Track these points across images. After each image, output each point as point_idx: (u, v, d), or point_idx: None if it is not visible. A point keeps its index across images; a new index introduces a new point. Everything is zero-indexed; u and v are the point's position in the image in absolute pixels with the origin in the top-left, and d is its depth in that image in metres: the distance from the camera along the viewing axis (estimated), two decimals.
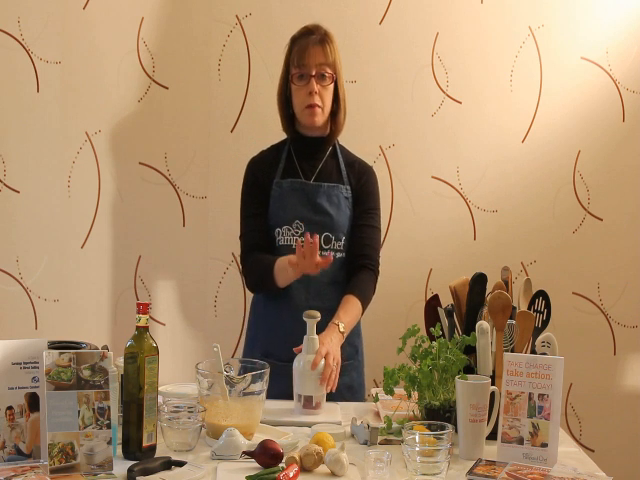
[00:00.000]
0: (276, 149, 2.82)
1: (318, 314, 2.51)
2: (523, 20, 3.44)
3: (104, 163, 3.37)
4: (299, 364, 2.48)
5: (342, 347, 2.58)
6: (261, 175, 2.78)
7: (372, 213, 2.78)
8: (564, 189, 3.50)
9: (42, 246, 3.23)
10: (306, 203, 2.73)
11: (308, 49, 2.66)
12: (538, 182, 3.50)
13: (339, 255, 2.74)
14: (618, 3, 3.45)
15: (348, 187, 2.76)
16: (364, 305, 2.71)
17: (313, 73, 2.65)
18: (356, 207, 2.77)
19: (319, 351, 2.47)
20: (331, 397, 2.55)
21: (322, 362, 2.46)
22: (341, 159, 2.79)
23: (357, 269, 2.74)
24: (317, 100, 2.67)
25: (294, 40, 2.72)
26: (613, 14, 3.45)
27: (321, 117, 2.70)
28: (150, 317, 2.14)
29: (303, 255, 2.48)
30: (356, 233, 2.76)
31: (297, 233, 2.71)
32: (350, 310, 2.65)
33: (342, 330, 2.58)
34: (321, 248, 2.71)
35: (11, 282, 3.18)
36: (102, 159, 3.36)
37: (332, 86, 2.69)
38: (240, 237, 2.80)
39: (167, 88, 3.41)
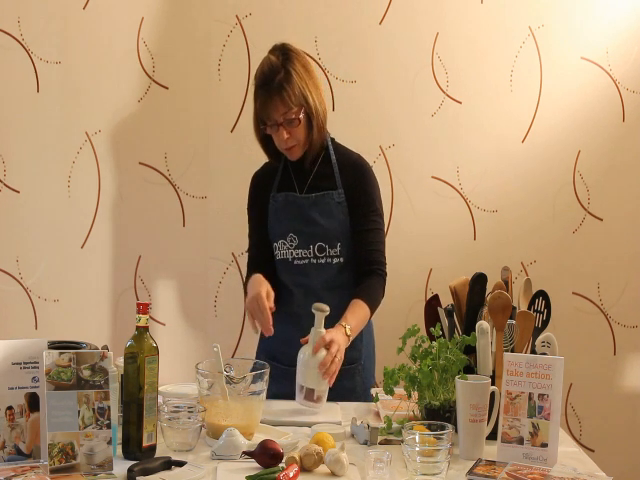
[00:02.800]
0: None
1: (327, 308, 2.48)
2: (523, 20, 3.43)
3: (104, 163, 3.37)
4: (304, 355, 2.47)
5: (345, 350, 2.56)
6: (261, 190, 2.80)
7: (373, 215, 2.75)
8: (564, 189, 3.50)
9: (42, 246, 3.23)
10: (297, 215, 2.73)
11: (267, 104, 2.63)
12: (538, 182, 3.49)
13: (336, 260, 2.73)
14: (618, 3, 3.45)
15: (341, 190, 2.73)
16: (372, 309, 2.68)
17: (280, 121, 2.64)
18: (356, 209, 2.73)
19: (323, 337, 2.45)
20: (333, 400, 2.54)
21: (324, 352, 2.45)
22: (334, 162, 2.76)
23: (365, 274, 2.72)
24: (290, 142, 2.68)
25: (256, 89, 2.68)
26: (613, 14, 3.45)
27: (300, 151, 2.71)
28: (150, 317, 2.14)
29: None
30: (360, 239, 2.73)
31: (292, 246, 2.72)
32: (357, 313, 2.62)
33: (348, 333, 2.55)
34: (316, 257, 2.72)
35: (11, 282, 3.18)
36: (102, 159, 3.36)
37: (304, 119, 2.66)
38: (247, 251, 2.85)
39: (167, 88, 3.41)
